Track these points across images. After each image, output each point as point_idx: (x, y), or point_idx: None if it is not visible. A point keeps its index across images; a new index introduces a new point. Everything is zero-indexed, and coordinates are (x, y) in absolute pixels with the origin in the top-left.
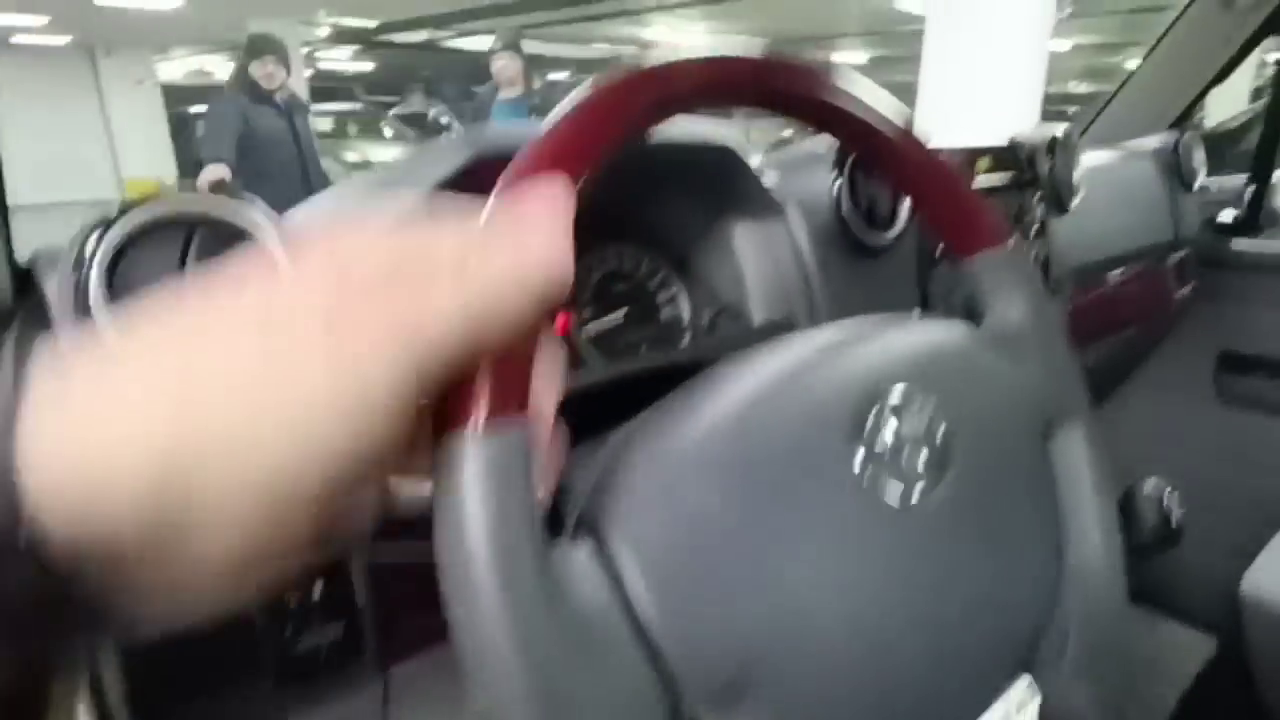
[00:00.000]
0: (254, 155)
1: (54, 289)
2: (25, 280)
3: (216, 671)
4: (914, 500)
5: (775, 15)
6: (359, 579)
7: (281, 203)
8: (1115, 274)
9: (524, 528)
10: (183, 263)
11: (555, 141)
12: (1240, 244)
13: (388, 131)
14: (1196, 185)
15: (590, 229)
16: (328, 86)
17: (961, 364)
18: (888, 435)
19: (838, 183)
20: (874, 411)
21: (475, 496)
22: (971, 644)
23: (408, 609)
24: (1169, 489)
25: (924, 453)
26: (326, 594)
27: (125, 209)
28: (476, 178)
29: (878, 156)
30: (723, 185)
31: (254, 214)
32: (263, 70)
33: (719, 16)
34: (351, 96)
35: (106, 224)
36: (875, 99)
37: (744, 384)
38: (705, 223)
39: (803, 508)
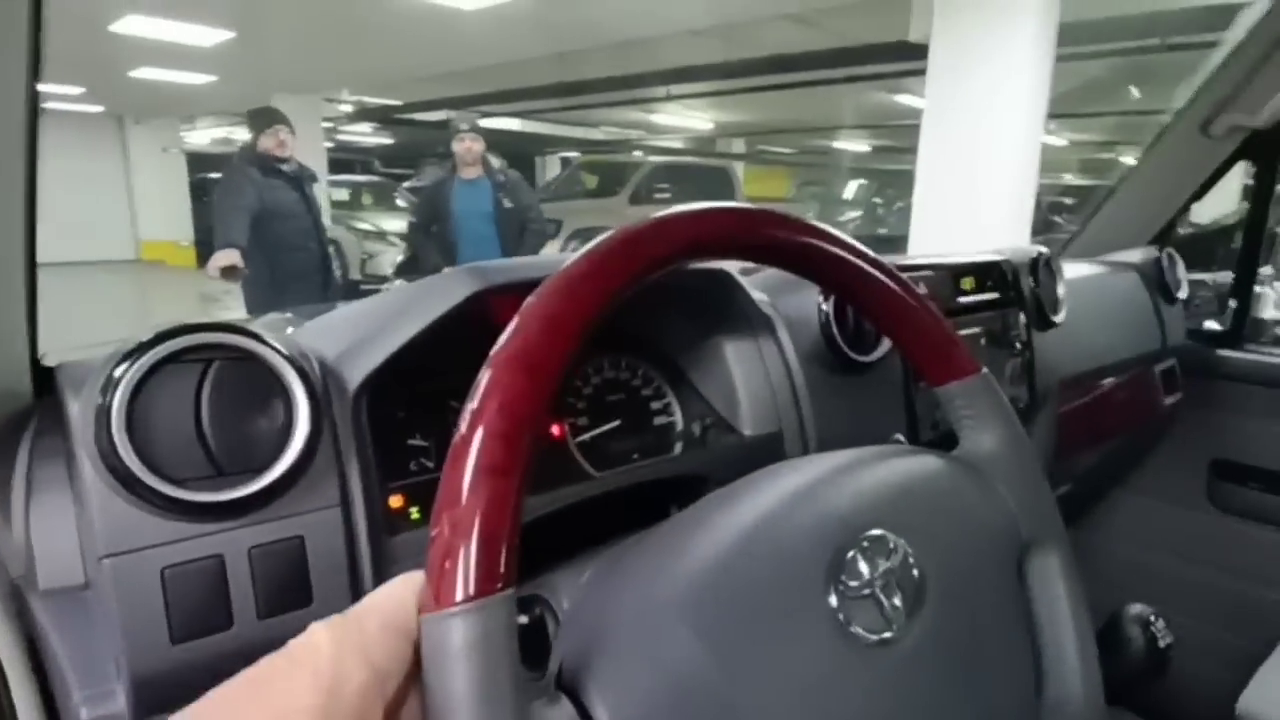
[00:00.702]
0: (269, 226)
1: (77, 411)
2: (46, 379)
3: None
4: (890, 639)
5: (778, 106)
6: None
7: (296, 270)
8: (1104, 383)
9: (506, 698)
10: (198, 390)
11: (535, 329)
12: (1226, 354)
13: (400, 202)
14: (1180, 298)
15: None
16: (345, 158)
17: (933, 500)
18: (862, 578)
19: (824, 305)
20: (848, 556)
21: (463, 675)
22: None
23: None
24: (1153, 614)
25: (898, 592)
26: None
27: (156, 337)
28: (478, 309)
29: (853, 294)
30: (716, 303)
31: (267, 347)
32: (275, 140)
33: (725, 106)
34: (368, 169)
35: (135, 350)
36: (847, 240)
37: (719, 535)
38: (699, 338)
39: (781, 655)
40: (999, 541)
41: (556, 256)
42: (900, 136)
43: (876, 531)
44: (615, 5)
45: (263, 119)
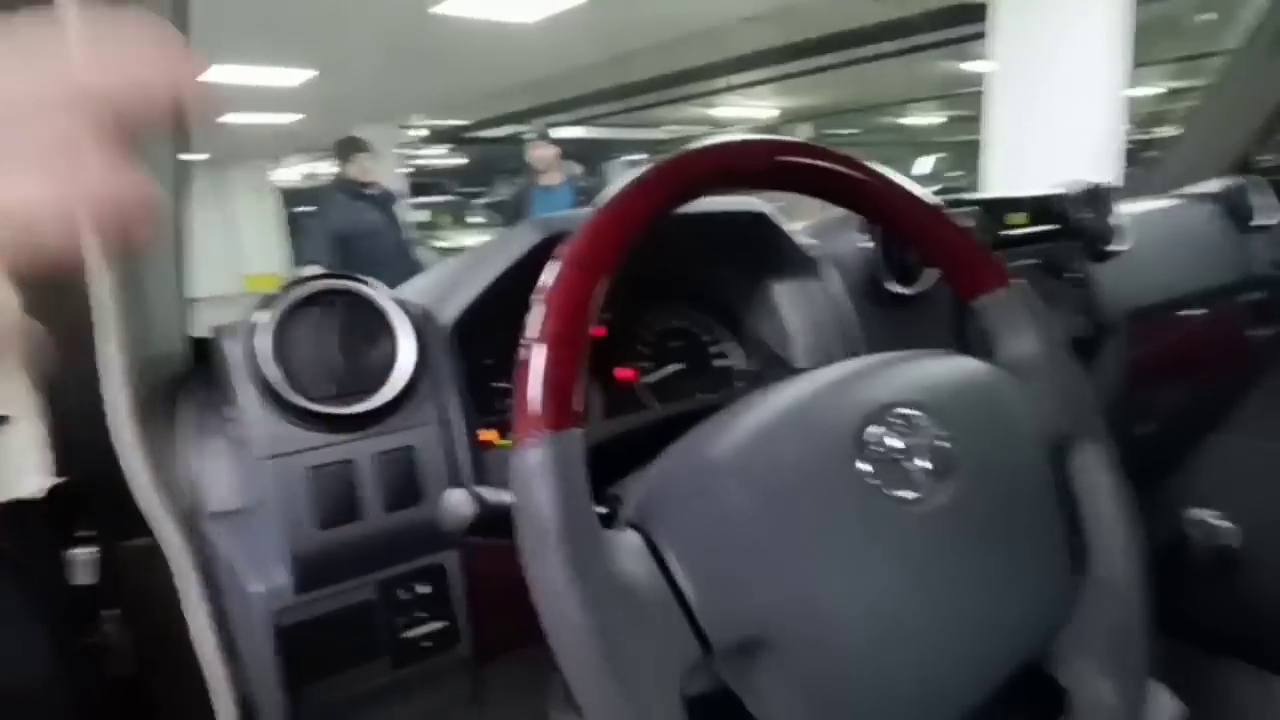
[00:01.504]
0: (359, 245)
1: (235, 350)
2: (201, 350)
3: (346, 654)
4: (916, 503)
5: (843, 86)
6: (454, 581)
7: (386, 284)
8: (1181, 315)
9: (585, 512)
10: (325, 328)
11: (585, 236)
12: None
13: (475, 219)
14: (1259, 224)
15: (649, 292)
16: (423, 182)
17: (963, 389)
18: (888, 447)
19: (868, 242)
20: (875, 428)
21: (545, 489)
22: (971, 632)
23: (496, 615)
24: (1218, 515)
25: (924, 463)
26: (429, 593)
27: (287, 287)
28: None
29: (883, 216)
30: (763, 248)
31: (377, 292)
32: (359, 168)
33: (787, 93)
34: (444, 190)
35: (273, 299)
36: (873, 167)
37: (761, 408)
38: (750, 283)
39: (813, 506)
40: (1033, 432)
41: None
42: (973, 105)
43: (904, 410)
44: (667, 1)
45: (347, 148)
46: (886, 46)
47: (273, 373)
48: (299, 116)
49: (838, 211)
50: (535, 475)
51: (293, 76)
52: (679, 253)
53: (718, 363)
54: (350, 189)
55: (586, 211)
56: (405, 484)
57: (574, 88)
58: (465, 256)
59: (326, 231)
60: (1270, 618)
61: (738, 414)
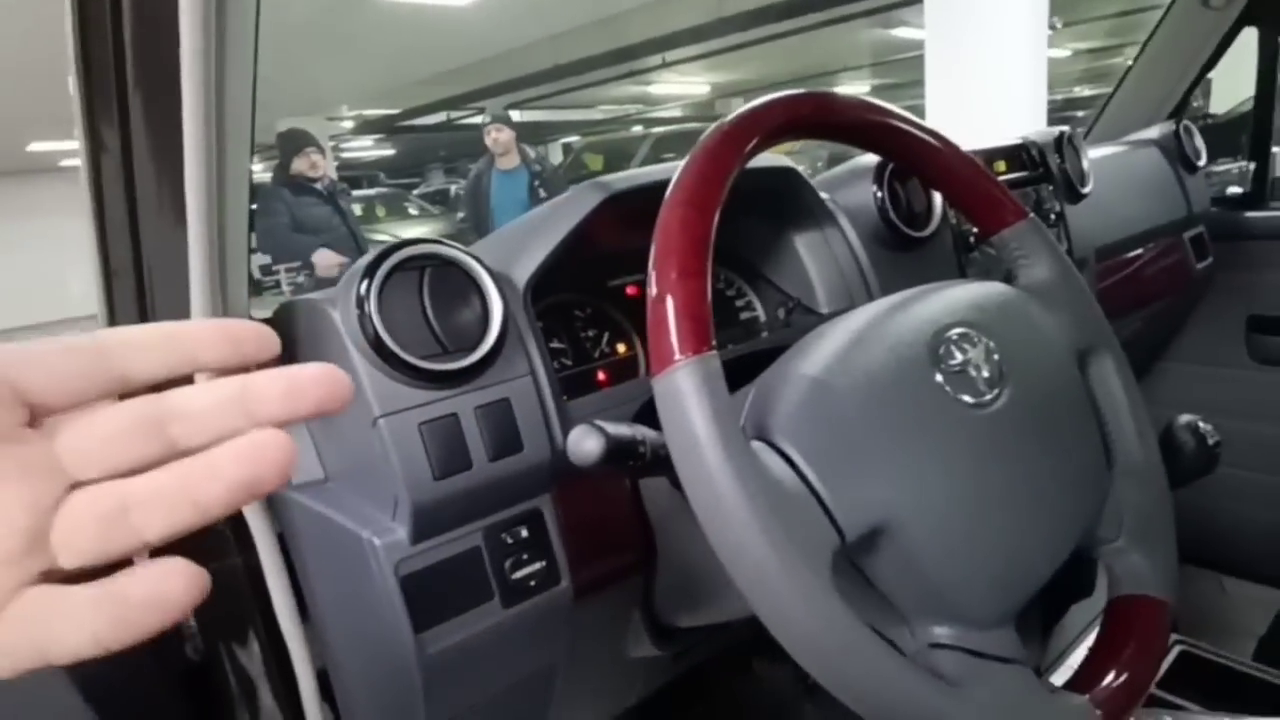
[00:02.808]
0: (309, 241)
1: (339, 318)
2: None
3: (462, 597)
4: (983, 405)
5: (774, 59)
6: (551, 524)
7: (338, 279)
8: (1135, 252)
9: (735, 424)
10: (420, 290)
11: (693, 179)
12: (1251, 215)
13: (412, 210)
14: (1200, 166)
15: None
16: (352, 175)
17: (1003, 308)
18: (956, 359)
19: (879, 192)
20: (944, 345)
21: (699, 403)
22: (1040, 513)
23: (589, 555)
24: (1200, 419)
25: (985, 372)
26: (528, 536)
27: (381, 254)
28: (610, 214)
29: (913, 160)
30: (785, 202)
31: (465, 254)
32: (307, 162)
33: (721, 67)
34: (375, 182)
35: (370, 266)
36: (910, 117)
37: (843, 331)
38: (771, 236)
39: (905, 410)
40: (1061, 344)
41: (669, 165)
42: (901, 72)
43: (961, 329)
44: None
45: (293, 142)
46: (815, 17)
47: (385, 334)
48: None
49: (843, 166)
50: (688, 395)
51: None
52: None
53: (744, 315)
54: (295, 184)
55: (650, 170)
56: (506, 433)
57: (508, 71)
58: (529, 219)
59: (272, 229)
60: (1221, 526)
61: (824, 336)
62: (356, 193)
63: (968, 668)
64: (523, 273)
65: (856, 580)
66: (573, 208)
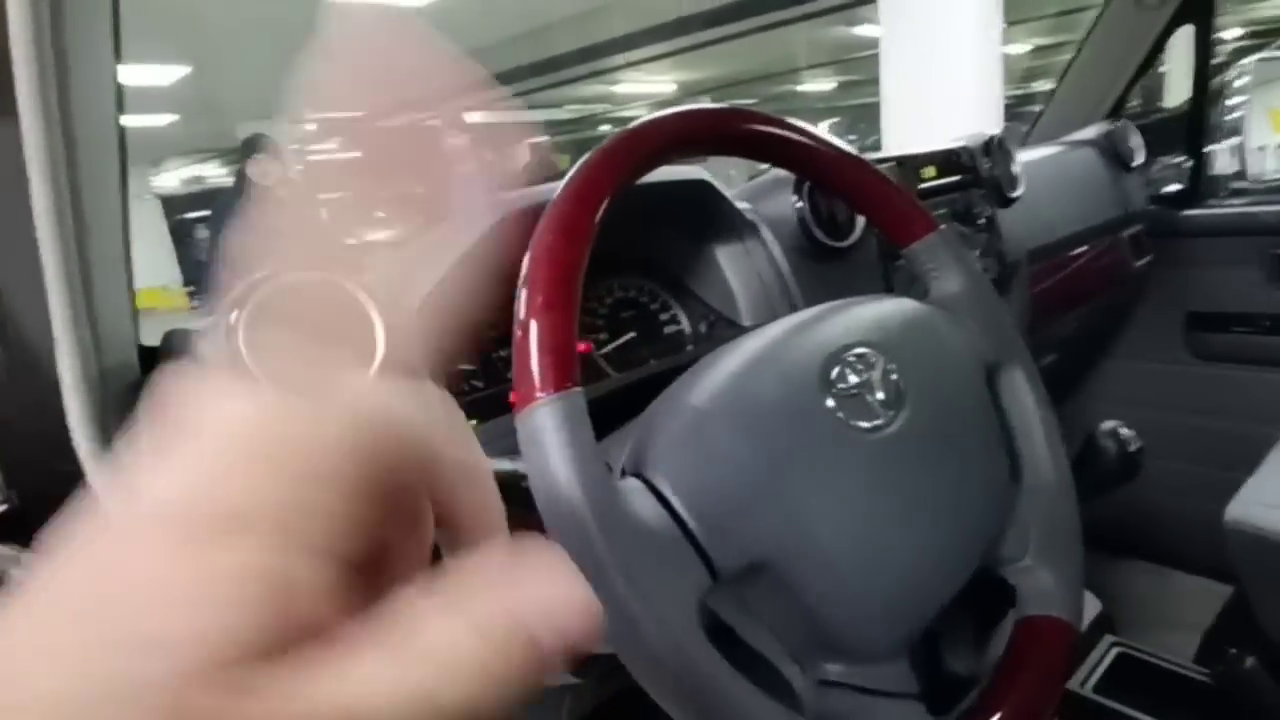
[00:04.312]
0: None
1: (209, 354)
2: (150, 357)
3: None
4: (877, 429)
5: (739, 57)
6: None
7: None
8: (1072, 253)
9: (597, 463)
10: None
11: (565, 203)
12: (1188, 212)
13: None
14: (1135, 165)
15: (599, 266)
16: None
17: (906, 326)
18: (850, 382)
19: (799, 202)
20: (837, 368)
21: (558, 442)
22: (938, 539)
23: None
24: (1121, 425)
25: (879, 394)
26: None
27: (250, 285)
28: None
29: (818, 174)
30: (703, 213)
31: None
32: (257, 168)
33: (685, 66)
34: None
35: (240, 301)
36: (811, 129)
37: (734, 357)
38: (693, 249)
39: (790, 440)
40: (968, 360)
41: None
42: (864, 70)
43: (859, 350)
44: None
45: (250, 148)
46: (777, 16)
47: (255, 369)
48: (173, 118)
49: (765, 176)
50: (547, 433)
51: (164, 74)
52: (624, 224)
53: (668, 329)
54: (250, 190)
55: (546, 188)
56: None
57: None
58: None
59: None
60: (1162, 520)
61: (713, 364)
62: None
63: (857, 705)
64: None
65: (745, 615)
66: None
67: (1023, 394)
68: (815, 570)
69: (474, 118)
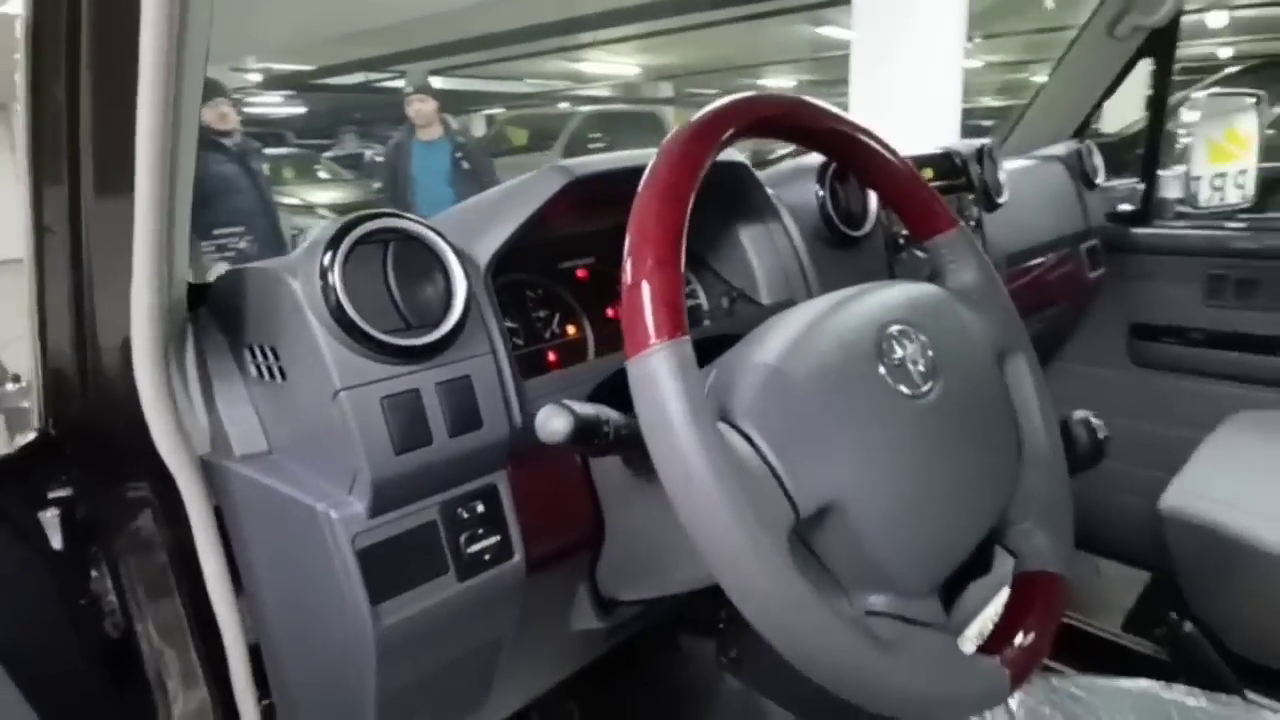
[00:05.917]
0: (214, 203)
1: (302, 289)
2: (197, 294)
3: (418, 570)
4: (919, 396)
5: (703, 45)
6: (505, 499)
7: (247, 247)
8: (1039, 260)
9: (705, 405)
10: (383, 266)
11: (668, 170)
12: (1139, 231)
13: (323, 174)
14: (1098, 183)
15: (622, 236)
16: (258, 133)
17: (936, 308)
18: (896, 354)
19: (821, 191)
20: (885, 340)
21: (673, 385)
22: (965, 496)
23: (540, 530)
24: (1092, 415)
25: (920, 366)
26: (483, 511)
27: (344, 227)
28: (567, 198)
29: (863, 166)
30: (733, 195)
31: (428, 230)
32: (216, 113)
33: (650, 50)
34: (283, 141)
35: (334, 238)
36: (864, 125)
37: (796, 322)
38: (718, 227)
39: (854, 401)
40: (984, 344)
41: (637, 152)
42: (827, 70)
43: (900, 326)
44: None
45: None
46: (747, 9)
47: (350, 308)
48: None
49: (786, 164)
50: (663, 378)
51: None
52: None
53: (689, 302)
54: (201, 138)
55: (610, 157)
56: (466, 410)
57: (433, 35)
58: (490, 196)
59: None
60: (1098, 513)
61: (777, 327)
62: (264, 151)
63: (899, 632)
64: (484, 251)
65: (801, 553)
66: (536, 189)
67: (1026, 378)
68: (875, 513)
69: (436, 83)
